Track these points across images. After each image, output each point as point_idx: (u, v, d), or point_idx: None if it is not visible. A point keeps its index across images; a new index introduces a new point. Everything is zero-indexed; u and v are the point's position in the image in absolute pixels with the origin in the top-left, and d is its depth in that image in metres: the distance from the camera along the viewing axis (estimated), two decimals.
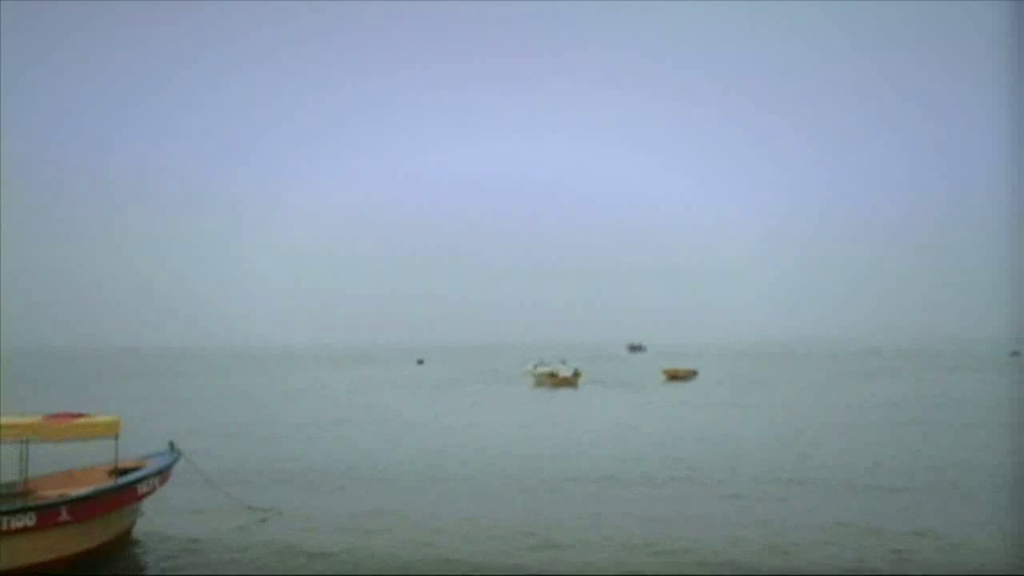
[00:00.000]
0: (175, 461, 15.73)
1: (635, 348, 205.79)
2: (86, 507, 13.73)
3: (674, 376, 73.49)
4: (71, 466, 15.71)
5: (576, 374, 66.54)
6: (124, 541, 14.96)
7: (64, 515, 13.43)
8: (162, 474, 15.23)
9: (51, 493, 14.33)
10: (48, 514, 13.28)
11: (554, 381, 65.57)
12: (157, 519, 16.41)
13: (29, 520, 13.07)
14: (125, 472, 14.94)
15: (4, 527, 12.82)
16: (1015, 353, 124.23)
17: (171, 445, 16.22)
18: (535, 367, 71.84)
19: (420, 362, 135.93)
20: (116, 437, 14.72)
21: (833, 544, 14.91)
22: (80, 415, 15.19)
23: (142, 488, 14.71)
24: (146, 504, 15.30)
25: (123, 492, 14.38)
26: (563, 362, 75.28)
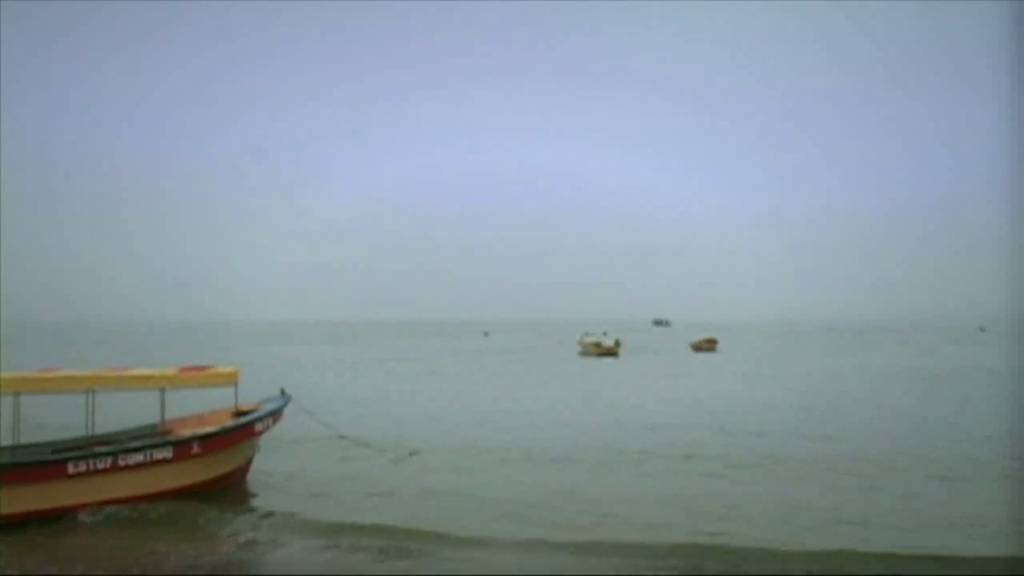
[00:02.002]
0: (285, 404, 15.44)
1: (659, 323, 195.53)
2: (213, 442, 13.60)
3: (699, 348, 72.04)
4: (199, 410, 15.51)
5: (617, 344, 65.43)
6: (245, 471, 14.76)
7: (195, 449, 13.41)
8: (275, 415, 14.92)
9: (185, 431, 14.13)
10: (182, 448, 13.31)
11: (599, 350, 64.54)
12: (272, 452, 16.19)
13: (167, 453, 13.15)
14: (244, 414, 14.66)
15: (148, 459, 12.97)
16: (982, 329, 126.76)
17: (282, 391, 15.95)
18: (583, 338, 70.92)
19: (486, 334, 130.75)
20: (235, 385, 14.45)
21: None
22: (206, 367, 15.01)
23: (259, 427, 14.41)
24: (262, 440, 14.99)
25: (243, 430, 14.11)
26: (605, 334, 74.16)
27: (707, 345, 72.52)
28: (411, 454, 17.32)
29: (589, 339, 68.82)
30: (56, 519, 11.99)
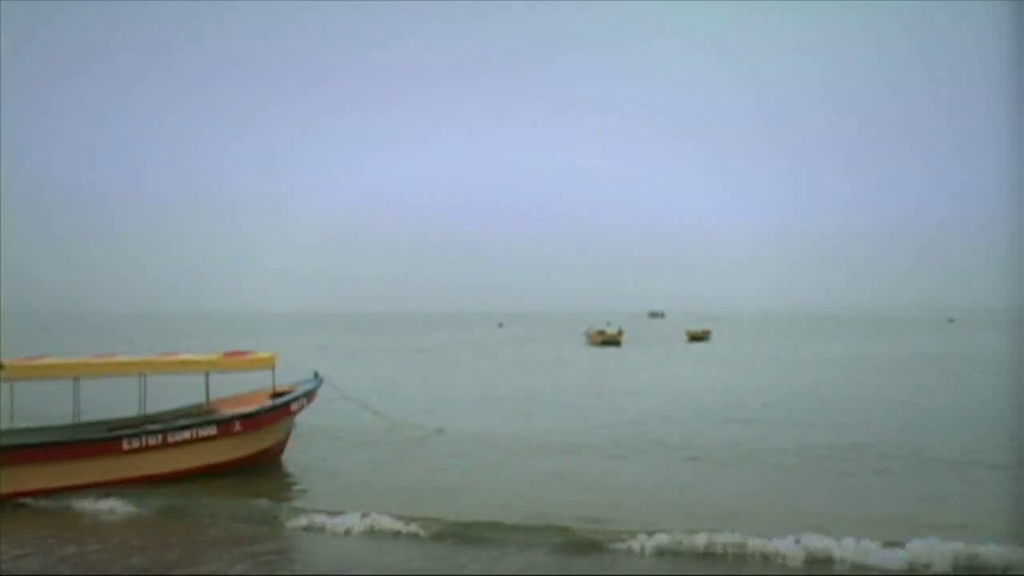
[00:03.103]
0: (318, 386, 15.30)
1: (655, 315, 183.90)
2: (253, 421, 13.49)
3: (694, 337, 71.56)
4: (239, 391, 15.43)
5: (620, 333, 65.12)
6: (282, 446, 14.60)
7: (237, 427, 13.30)
8: (309, 395, 14.78)
9: (227, 411, 14.07)
10: (225, 426, 13.22)
11: (603, 339, 64.25)
12: (306, 430, 16.02)
13: (212, 430, 13.08)
14: (281, 394, 14.55)
15: (194, 436, 12.93)
16: (951, 320, 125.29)
17: (315, 373, 15.80)
18: (589, 329, 70.89)
19: (501, 325, 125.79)
20: (273, 368, 14.32)
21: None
22: (247, 352, 14.95)
23: (294, 406, 14.28)
24: (298, 419, 14.87)
25: (280, 409, 13.98)
26: (608, 324, 73.95)
27: (701, 334, 72.06)
28: (437, 431, 17.24)
29: (594, 329, 68.72)
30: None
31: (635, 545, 9.00)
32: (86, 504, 11.48)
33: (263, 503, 11.35)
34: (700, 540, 8.94)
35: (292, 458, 14.54)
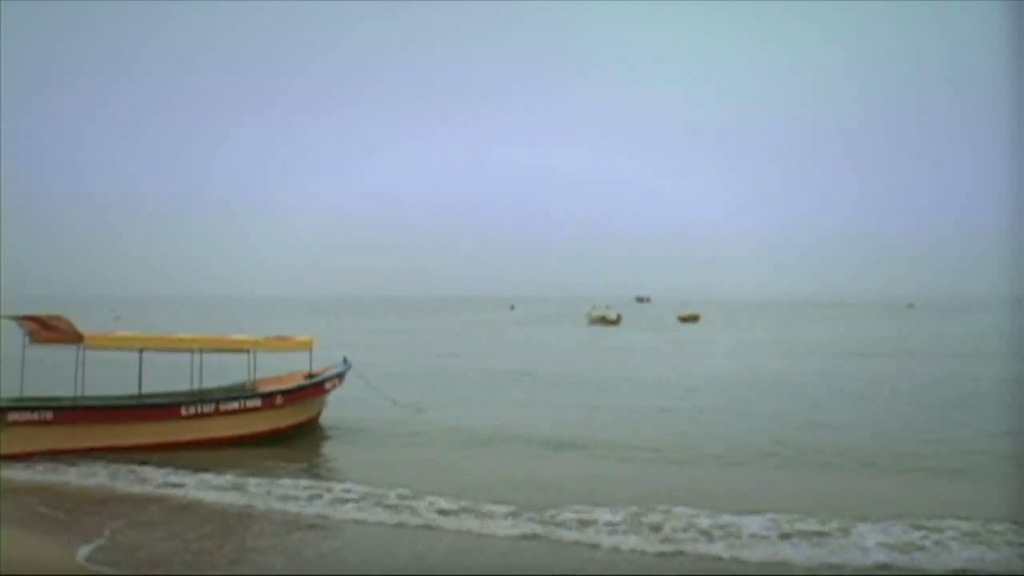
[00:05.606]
0: (347, 369, 15.41)
1: (641, 299, 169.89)
2: (292, 396, 13.72)
3: (684, 319, 71.21)
4: (279, 371, 15.54)
5: (618, 316, 65.31)
6: (316, 419, 14.81)
7: (279, 401, 13.52)
8: (340, 377, 14.86)
9: (270, 387, 14.32)
10: (269, 399, 13.46)
11: (604, 321, 64.49)
12: (336, 406, 16.04)
13: (257, 403, 13.35)
14: (315, 375, 14.75)
15: (242, 407, 13.22)
16: (910, 305, 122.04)
17: (344, 359, 15.92)
18: (591, 312, 71.12)
19: (512, 307, 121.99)
20: (310, 351, 14.51)
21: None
22: (288, 337, 15.18)
23: (327, 386, 14.43)
24: (329, 397, 15.00)
25: (315, 387, 14.18)
26: (608, 308, 74.00)
27: (690, 318, 71.71)
28: (416, 410, 16.63)
29: (596, 312, 69.01)
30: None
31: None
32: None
33: (293, 467, 11.48)
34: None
35: (323, 429, 14.66)
